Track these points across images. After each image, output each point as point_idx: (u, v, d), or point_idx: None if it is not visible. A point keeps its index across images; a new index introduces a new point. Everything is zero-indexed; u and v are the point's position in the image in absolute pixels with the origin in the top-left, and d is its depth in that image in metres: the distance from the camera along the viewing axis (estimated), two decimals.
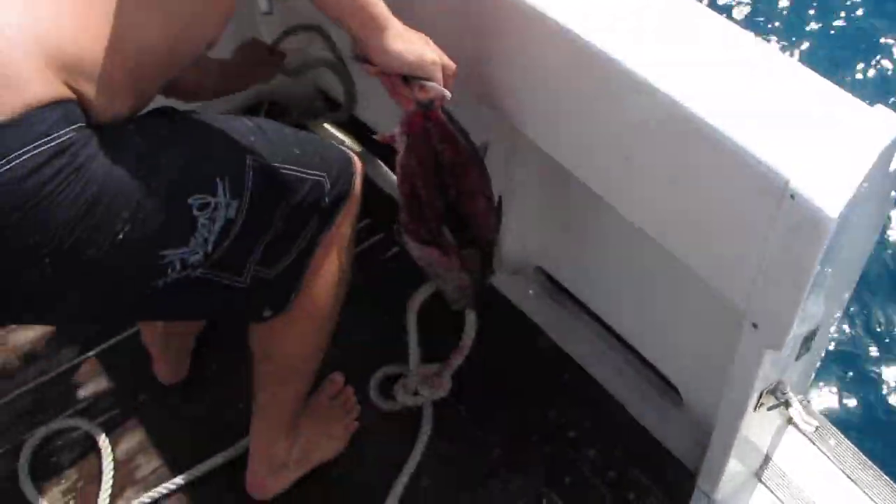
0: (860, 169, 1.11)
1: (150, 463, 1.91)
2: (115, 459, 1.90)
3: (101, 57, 1.16)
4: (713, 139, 1.17)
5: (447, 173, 1.51)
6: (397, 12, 1.35)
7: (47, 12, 1.14)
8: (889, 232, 3.46)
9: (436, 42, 1.42)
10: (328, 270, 1.56)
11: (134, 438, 1.95)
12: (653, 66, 1.24)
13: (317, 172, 1.47)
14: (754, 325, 1.30)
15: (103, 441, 1.93)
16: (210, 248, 1.29)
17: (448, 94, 1.40)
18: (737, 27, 1.30)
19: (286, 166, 1.41)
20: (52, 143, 1.10)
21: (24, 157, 1.08)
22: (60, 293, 1.21)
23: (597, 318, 2.07)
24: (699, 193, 1.28)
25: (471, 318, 1.91)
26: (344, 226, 1.57)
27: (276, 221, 1.40)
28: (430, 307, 1.97)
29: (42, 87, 1.10)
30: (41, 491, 1.87)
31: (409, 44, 1.35)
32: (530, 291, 2.19)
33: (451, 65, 1.41)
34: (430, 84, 1.38)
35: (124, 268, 1.22)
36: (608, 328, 2.05)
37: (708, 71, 1.24)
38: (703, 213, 1.29)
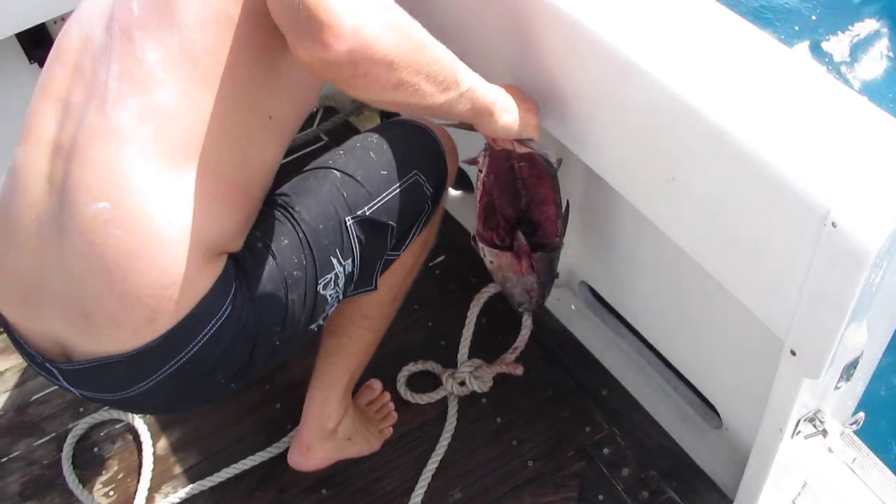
0: None
1: (188, 459, 1.94)
2: (154, 454, 1.94)
3: (242, 212, 1.34)
4: (756, 165, 1.16)
5: (522, 185, 1.64)
6: (456, 29, 1.38)
7: (198, 205, 1.25)
8: None
9: (488, 58, 1.49)
10: (418, 243, 1.68)
11: (174, 434, 1.99)
12: (699, 91, 1.23)
13: (410, 176, 1.55)
14: (793, 353, 1.28)
15: (145, 435, 1.96)
16: (341, 296, 1.51)
17: (548, 152, 1.59)
18: (785, 48, 1.29)
19: (382, 197, 1.50)
20: (219, 322, 1.30)
21: (199, 345, 1.29)
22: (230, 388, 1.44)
23: (639, 336, 2.06)
24: (740, 218, 1.27)
25: (527, 322, 2.03)
26: (443, 199, 1.70)
27: (391, 240, 1.56)
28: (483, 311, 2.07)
29: (205, 278, 1.27)
30: (83, 480, 1.92)
31: (513, 116, 1.48)
32: (572, 306, 2.18)
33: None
34: (530, 143, 1.55)
35: (280, 354, 1.46)
36: (650, 346, 2.04)
37: (754, 96, 1.23)
38: (744, 238, 1.28)
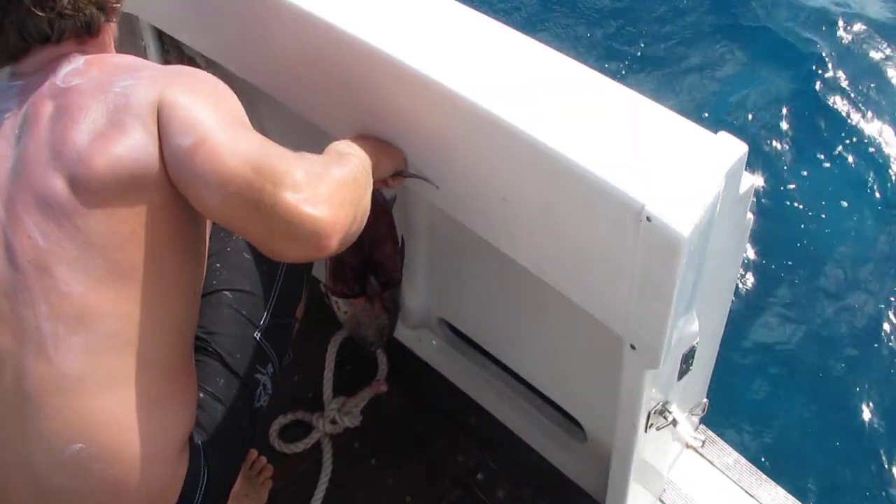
0: (709, 190, 1.20)
1: None
2: None
3: (192, 390, 1.39)
4: (574, 173, 1.25)
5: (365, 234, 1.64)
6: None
7: (163, 410, 1.30)
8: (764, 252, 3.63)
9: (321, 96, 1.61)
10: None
11: None
12: (513, 112, 1.32)
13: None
14: (632, 347, 1.37)
15: None
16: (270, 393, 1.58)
17: (380, 190, 1.66)
18: (580, 64, 1.40)
19: (273, 294, 1.56)
20: (201, 494, 1.36)
21: None
22: None
23: (499, 363, 2.13)
24: (568, 227, 1.36)
25: (382, 358, 2.15)
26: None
27: (292, 321, 1.64)
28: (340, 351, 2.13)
29: (181, 467, 1.33)
30: None
31: (382, 165, 1.50)
32: (434, 342, 2.24)
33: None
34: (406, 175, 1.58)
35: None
36: (511, 371, 2.11)
37: (564, 110, 1.33)
38: (574, 245, 1.37)
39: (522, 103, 1.34)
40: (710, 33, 4.64)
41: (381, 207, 1.68)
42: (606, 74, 1.37)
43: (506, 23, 1.49)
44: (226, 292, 1.52)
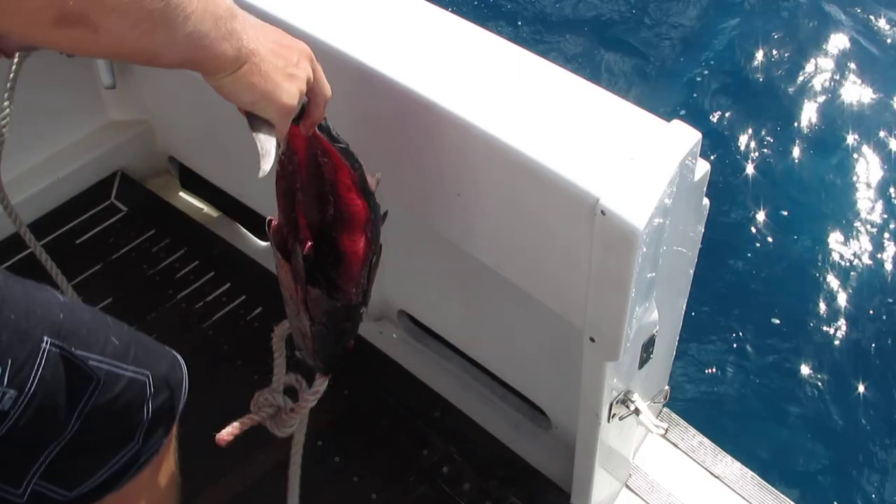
0: (662, 180, 1.19)
1: None
2: None
3: None
4: (529, 168, 1.24)
5: (329, 189, 1.25)
6: None
7: None
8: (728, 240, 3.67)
9: None
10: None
11: None
12: (467, 106, 1.30)
13: (137, 369, 1.20)
14: (592, 340, 1.36)
15: None
16: None
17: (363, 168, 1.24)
18: (539, 59, 1.38)
19: (96, 356, 1.14)
20: None
21: None
22: None
23: (462, 354, 2.12)
24: (524, 221, 1.34)
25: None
26: (172, 445, 1.31)
27: (73, 425, 1.12)
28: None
29: None
30: None
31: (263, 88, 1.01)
32: (394, 335, 2.22)
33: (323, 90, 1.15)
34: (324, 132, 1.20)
35: None
36: (474, 362, 2.10)
37: (518, 104, 1.31)
38: (531, 240, 1.36)
39: (474, 97, 1.32)
40: (662, 21, 4.66)
41: (356, 182, 1.23)
42: (559, 65, 1.36)
43: (456, 13, 1.47)
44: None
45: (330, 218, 1.27)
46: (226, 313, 2.24)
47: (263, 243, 2.39)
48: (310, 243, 1.28)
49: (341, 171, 1.22)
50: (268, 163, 1.04)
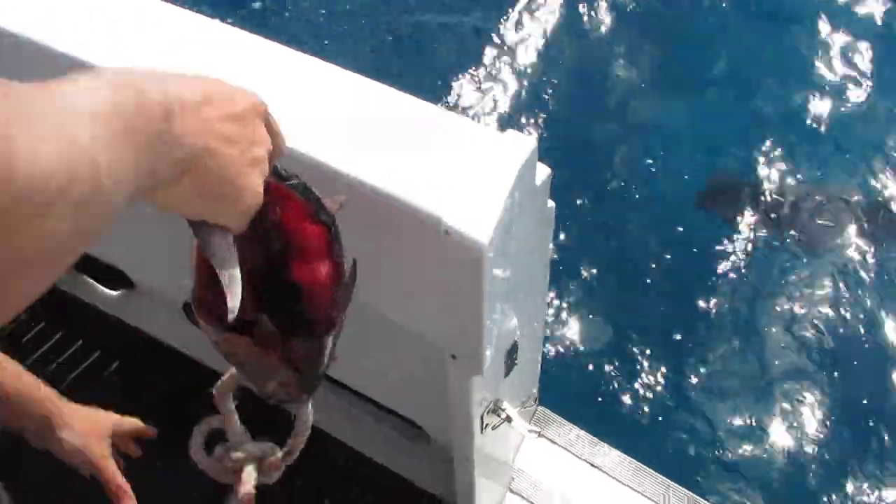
0: (502, 191, 1.19)
1: None
2: None
3: None
4: (367, 196, 1.22)
5: (272, 226, 1.03)
6: None
7: None
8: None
9: None
10: None
11: None
12: (295, 133, 1.27)
13: None
14: (453, 357, 1.36)
15: None
16: None
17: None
18: (365, 80, 1.36)
19: None
20: None
21: None
22: None
23: (332, 380, 2.08)
24: (372, 248, 1.32)
25: (305, 416, 1.44)
26: None
27: None
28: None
29: None
30: None
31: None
32: None
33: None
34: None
35: None
36: (345, 387, 2.07)
37: (351, 130, 1.29)
38: (385, 265, 1.34)
39: (302, 125, 1.29)
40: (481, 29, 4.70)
41: (311, 211, 1.07)
42: (382, 81, 1.34)
43: (282, 41, 1.44)
44: None
45: (276, 253, 1.05)
46: (83, 371, 2.14)
47: (113, 292, 2.29)
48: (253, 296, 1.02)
49: (289, 208, 1.04)
50: (236, 299, 0.87)
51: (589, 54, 4.54)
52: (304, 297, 1.07)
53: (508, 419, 1.54)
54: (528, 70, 4.43)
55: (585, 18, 4.59)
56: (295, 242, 1.05)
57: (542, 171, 1.32)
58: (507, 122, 4.18)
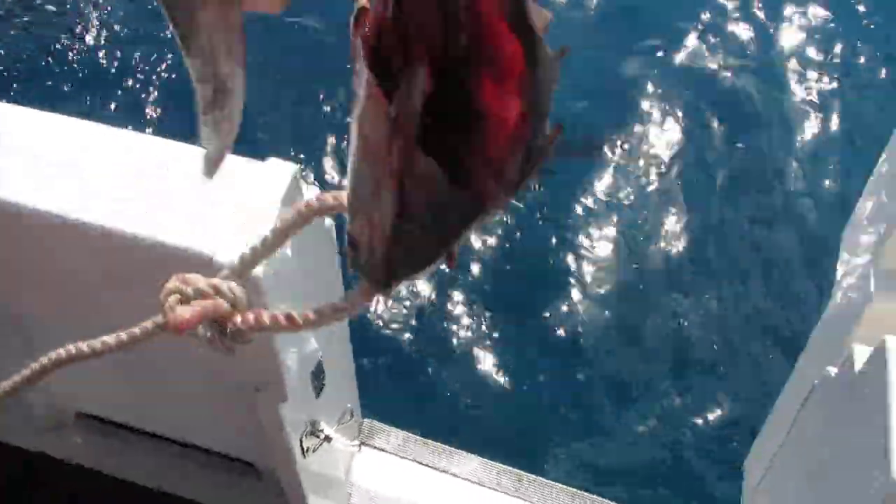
0: (270, 220, 1.20)
1: None
2: None
3: None
4: (134, 246, 1.20)
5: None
6: None
7: None
8: None
9: None
10: None
11: None
12: (41, 194, 1.24)
13: None
14: (257, 389, 1.36)
15: None
16: None
17: None
18: (117, 130, 1.34)
19: None
20: None
21: None
22: None
23: (150, 434, 2.03)
24: (148, 296, 1.30)
25: None
26: None
27: None
28: None
29: None
30: None
31: None
32: (77, 440, 2.08)
33: None
34: None
35: None
36: (167, 439, 2.02)
37: (111, 183, 1.27)
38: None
39: (53, 183, 1.26)
40: None
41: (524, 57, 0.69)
42: (135, 129, 1.33)
43: None
44: None
45: (461, 51, 0.70)
46: None
47: None
48: (428, 70, 0.69)
49: None
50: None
51: None
52: (475, 131, 0.72)
53: (328, 439, 1.56)
54: None
55: None
56: (487, 51, 0.70)
57: (311, 192, 1.34)
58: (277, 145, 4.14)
